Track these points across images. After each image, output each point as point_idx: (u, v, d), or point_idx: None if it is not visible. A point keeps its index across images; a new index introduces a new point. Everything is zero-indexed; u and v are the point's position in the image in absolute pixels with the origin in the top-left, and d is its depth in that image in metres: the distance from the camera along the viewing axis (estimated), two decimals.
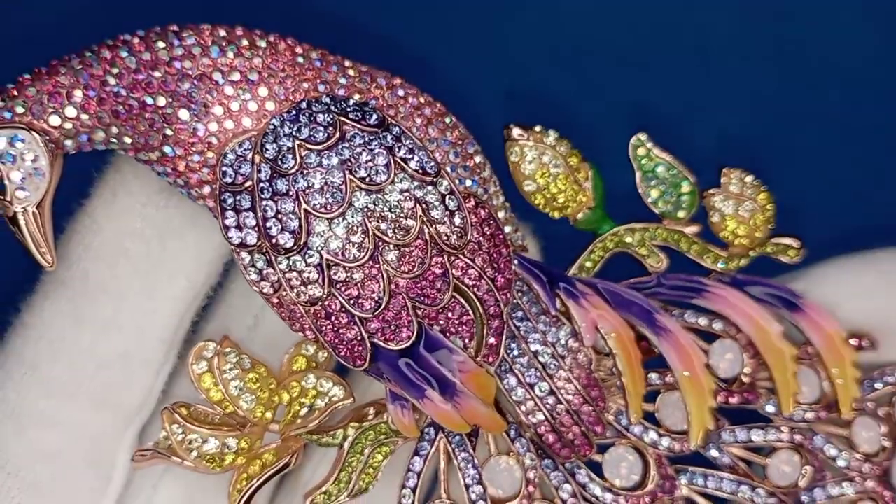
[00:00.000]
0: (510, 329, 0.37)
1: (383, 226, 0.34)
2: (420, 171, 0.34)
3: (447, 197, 0.35)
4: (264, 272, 0.34)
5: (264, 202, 0.34)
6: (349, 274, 0.34)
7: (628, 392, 0.38)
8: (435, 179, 0.35)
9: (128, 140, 0.35)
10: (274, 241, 0.34)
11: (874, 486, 0.40)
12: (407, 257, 0.34)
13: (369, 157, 0.34)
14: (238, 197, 0.34)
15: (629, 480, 0.39)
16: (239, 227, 0.34)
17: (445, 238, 0.35)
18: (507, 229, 0.37)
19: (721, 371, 0.40)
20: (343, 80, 0.35)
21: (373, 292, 0.34)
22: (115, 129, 0.34)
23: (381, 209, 0.34)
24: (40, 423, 0.37)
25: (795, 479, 0.40)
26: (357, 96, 0.35)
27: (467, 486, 0.38)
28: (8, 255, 0.36)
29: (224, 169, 0.34)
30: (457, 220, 0.35)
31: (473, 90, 0.37)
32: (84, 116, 0.34)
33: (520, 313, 0.37)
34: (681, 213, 0.39)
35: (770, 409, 0.40)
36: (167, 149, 0.34)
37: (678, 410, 0.39)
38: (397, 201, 0.34)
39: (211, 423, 0.36)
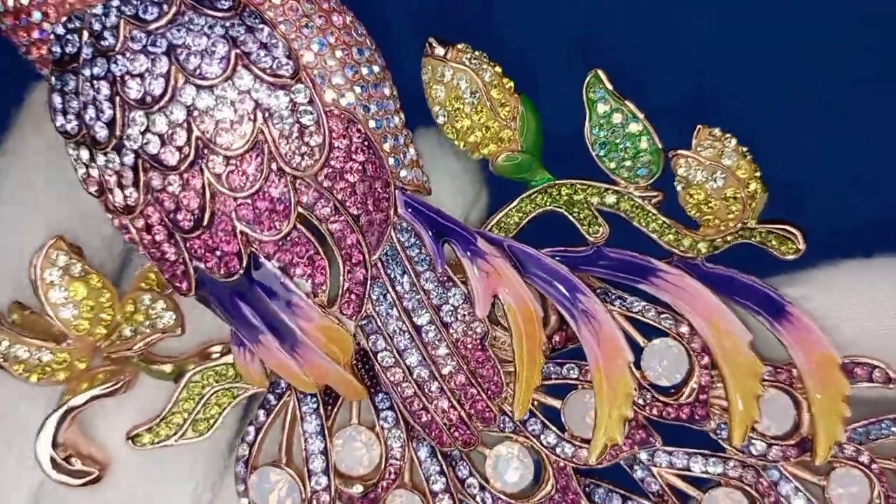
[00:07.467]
0: (384, 281, 0.31)
1: (210, 129, 0.28)
2: (269, 70, 0.29)
3: (301, 108, 0.29)
4: (89, 168, 0.30)
5: (84, 84, 0.29)
6: (165, 181, 0.29)
7: (517, 378, 0.31)
8: (287, 84, 0.29)
9: None
10: (91, 131, 0.29)
11: None
12: (236, 171, 0.29)
13: (205, 47, 0.28)
14: (64, 77, 0.29)
15: (515, 486, 0.32)
16: (64, 112, 0.30)
17: (288, 157, 0.29)
18: (404, 166, 0.31)
19: (651, 376, 0.32)
20: None
21: (192, 207, 0.29)
22: None
23: (211, 109, 0.28)
24: None
25: None
26: None
27: (307, 457, 0.32)
28: None
29: (52, 45, 0.29)
30: (309, 139, 0.29)
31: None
32: None
33: (399, 264, 0.31)
34: (640, 177, 0.32)
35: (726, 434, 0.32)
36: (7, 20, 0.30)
37: (588, 415, 0.32)
38: (231, 102, 0.28)
39: (41, 331, 0.32)
